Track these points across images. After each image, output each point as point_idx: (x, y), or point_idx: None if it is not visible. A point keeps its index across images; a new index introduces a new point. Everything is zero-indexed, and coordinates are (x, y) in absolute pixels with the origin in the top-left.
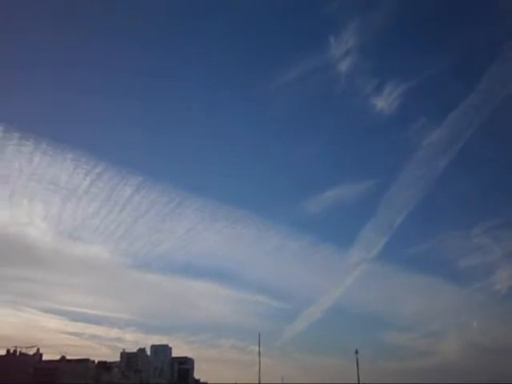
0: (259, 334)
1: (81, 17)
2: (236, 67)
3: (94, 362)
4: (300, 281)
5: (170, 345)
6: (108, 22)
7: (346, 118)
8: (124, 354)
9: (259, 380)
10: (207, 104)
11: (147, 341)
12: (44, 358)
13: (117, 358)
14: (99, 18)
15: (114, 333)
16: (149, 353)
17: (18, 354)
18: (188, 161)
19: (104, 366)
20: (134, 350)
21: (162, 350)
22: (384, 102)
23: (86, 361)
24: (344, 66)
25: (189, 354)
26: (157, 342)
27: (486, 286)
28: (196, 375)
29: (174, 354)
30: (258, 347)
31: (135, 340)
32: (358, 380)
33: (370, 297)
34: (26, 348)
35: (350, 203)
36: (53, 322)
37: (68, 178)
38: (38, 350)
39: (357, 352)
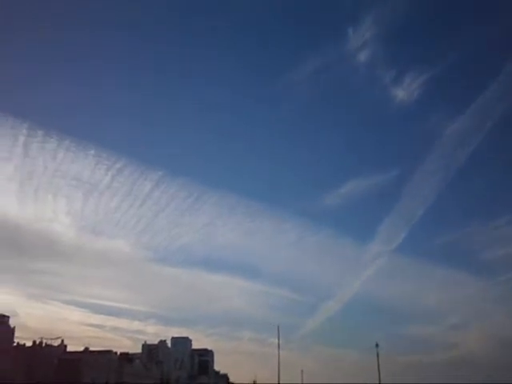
0: (278, 327)
1: (97, 9)
2: (253, 62)
3: (116, 353)
4: (319, 274)
5: (190, 337)
6: (125, 17)
7: (365, 110)
8: (145, 346)
9: (278, 373)
10: (224, 100)
11: (167, 333)
12: (68, 349)
13: (138, 349)
14: (118, 11)
15: (135, 325)
16: (169, 345)
17: (43, 345)
18: (206, 156)
19: (126, 357)
20: (155, 342)
21: (182, 342)
22: (404, 93)
23: (108, 352)
24: (363, 57)
25: (208, 347)
26: (177, 335)
27: (510, 278)
28: (216, 367)
29: (193, 346)
30: (277, 340)
31: (156, 332)
32: (379, 374)
33: (390, 289)
34: (51, 339)
35: (368, 196)
36: (76, 315)
37: (90, 173)
38: (63, 341)
39: (377, 345)
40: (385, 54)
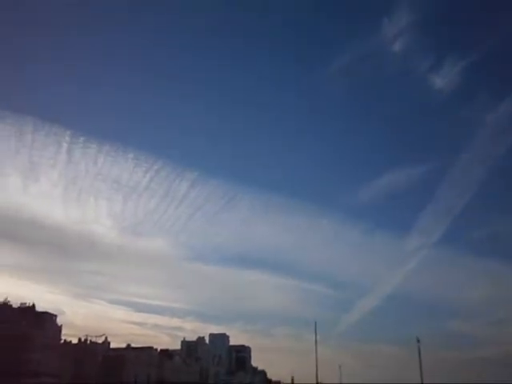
0: (315, 323)
1: (127, 16)
2: (288, 57)
3: (156, 350)
4: (356, 269)
5: (228, 333)
6: (162, 25)
7: (402, 100)
8: (184, 343)
9: (316, 369)
10: (258, 97)
11: (205, 330)
12: (111, 346)
13: (177, 346)
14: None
15: (175, 322)
16: (207, 341)
17: (88, 342)
18: (240, 155)
19: (166, 353)
20: (194, 339)
21: (219, 339)
22: (442, 80)
23: (149, 349)
24: (398, 46)
25: (245, 343)
26: (214, 331)
27: None
28: (253, 363)
29: (231, 343)
30: (314, 336)
31: (194, 329)
32: (421, 370)
33: (431, 283)
34: (96, 337)
35: (406, 188)
36: (119, 313)
37: (129, 176)
38: (106, 338)
39: (418, 341)
40: (421, 42)
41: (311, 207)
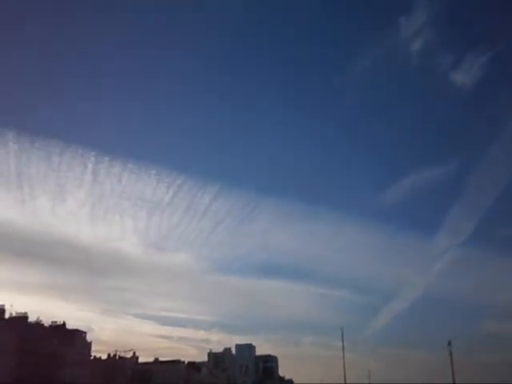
0: (342, 329)
1: (150, 26)
2: (306, 59)
3: (183, 362)
4: (382, 272)
5: (253, 344)
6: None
7: (424, 99)
8: (211, 354)
9: (344, 377)
10: (277, 100)
11: (231, 341)
12: (139, 360)
13: (204, 358)
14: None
15: (201, 334)
16: (234, 352)
17: (117, 357)
18: (260, 164)
19: (193, 366)
20: (220, 350)
21: (246, 349)
22: (464, 76)
23: (176, 362)
24: (418, 45)
25: (272, 352)
26: (240, 342)
27: None
28: (280, 373)
29: (257, 353)
30: (341, 343)
31: (220, 340)
32: (453, 374)
33: (461, 284)
34: (124, 352)
35: (431, 188)
36: (146, 327)
37: (152, 192)
38: (134, 353)
39: (449, 344)
40: (441, 39)
41: (334, 213)
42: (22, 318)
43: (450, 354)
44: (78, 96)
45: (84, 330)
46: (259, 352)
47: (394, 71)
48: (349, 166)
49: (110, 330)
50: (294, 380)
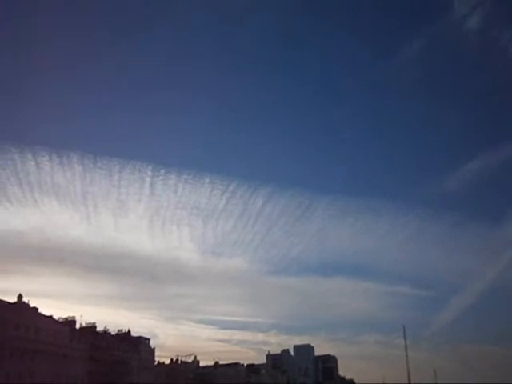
0: (404, 327)
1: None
2: (360, 45)
3: (243, 365)
4: (445, 265)
5: (312, 344)
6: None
7: (484, 78)
8: (269, 356)
9: (408, 376)
10: (328, 89)
11: (290, 342)
12: (200, 364)
13: (263, 360)
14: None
15: (259, 337)
16: (292, 353)
17: (179, 362)
18: (312, 163)
19: (252, 368)
20: (278, 352)
21: (304, 350)
22: None
23: (236, 364)
24: (473, 23)
25: (331, 352)
26: (299, 343)
27: None
28: (341, 373)
29: (316, 353)
30: (403, 340)
31: (278, 342)
32: None
33: None
34: (186, 356)
35: (495, 174)
36: (206, 332)
37: (207, 200)
38: (196, 357)
39: None
40: (496, 15)
41: (392, 206)
42: (90, 328)
43: None
44: (132, 112)
45: (148, 336)
46: (318, 352)
47: (452, 51)
48: (407, 153)
49: (172, 336)
50: (356, 380)
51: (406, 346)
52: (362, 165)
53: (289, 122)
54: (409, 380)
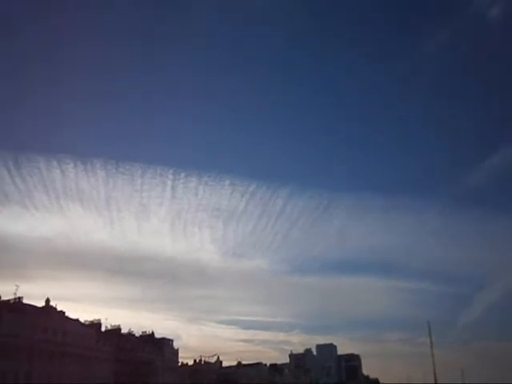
0: (429, 324)
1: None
2: (382, 38)
3: (265, 365)
4: (470, 261)
5: (335, 343)
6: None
7: (506, 69)
8: (292, 356)
9: (434, 374)
10: (355, 82)
11: (312, 341)
12: (223, 364)
13: (286, 360)
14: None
15: (281, 336)
16: (315, 353)
17: (202, 362)
18: (332, 161)
19: (275, 368)
20: (301, 351)
21: (327, 349)
22: None
23: (258, 364)
24: (496, 11)
25: (354, 351)
26: (321, 342)
27: None
28: (364, 371)
29: (339, 352)
30: (428, 338)
31: (301, 341)
32: None
33: None
34: (209, 357)
35: None
36: (228, 332)
37: (227, 201)
38: (218, 357)
39: None
40: None
41: (415, 201)
42: (115, 330)
43: None
44: (152, 116)
45: (171, 338)
46: (341, 351)
47: (476, 40)
48: (429, 148)
49: (194, 337)
50: (380, 379)
51: (431, 344)
52: (382, 162)
53: (304, 122)
54: (435, 379)
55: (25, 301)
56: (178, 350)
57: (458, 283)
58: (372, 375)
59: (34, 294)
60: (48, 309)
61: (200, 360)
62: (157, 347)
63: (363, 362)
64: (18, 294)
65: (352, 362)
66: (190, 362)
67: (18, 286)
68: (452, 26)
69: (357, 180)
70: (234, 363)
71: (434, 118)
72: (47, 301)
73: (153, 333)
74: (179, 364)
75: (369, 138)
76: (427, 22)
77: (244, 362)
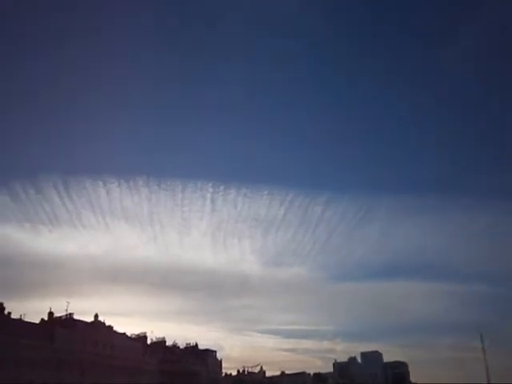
0: (480, 328)
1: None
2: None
3: (309, 374)
4: None
5: (380, 350)
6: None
7: None
8: (336, 364)
9: (488, 381)
10: (379, 84)
11: (356, 349)
12: (266, 374)
13: (330, 368)
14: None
15: (325, 345)
16: (359, 360)
17: (246, 372)
18: (370, 165)
19: (319, 377)
20: (345, 360)
21: (372, 357)
22: None
23: (302, 374)
24: None
25: (401, 358)
26: (366, 349)
27: None
28: (412, 379)
29: (385, 360)
30: (480, 343)
31: (345, 349)
32: None
33: None
34: (252, 367)
35: None
36: (270, 341)
37: (266, 211)
38: (262, 367)
39: None
40: None
41: (463, 199)
42: (160, 342)
43: None
44: (190, 130)
45: (214, 349)
46: (387, 359)
47: (504, 41)
48: (475, 143)
49: (237, 347)
50: None
51: (483, 349)
52: (422, 161)
53: (339, 126)
54: None
55: (75, 316)
56: (221, 360)
57: (510, 284)
58: (421, 382)
59: (83, 310)
60: (97, 324)
61: (243, 370)
62: (200, 358)
63: (411, 369)
64: (69, 311)
65: (399, 370)
66: (234, 373)
67: (68, 303)
68: (479, 27)
69: (397, 181)
70: (278, 373)
71: (483, 112)
72: (96, 316)
73: (196, 344)
74: (223, 375)
75: (407, 137)
76: (454, 25)
77: (287, 372)
